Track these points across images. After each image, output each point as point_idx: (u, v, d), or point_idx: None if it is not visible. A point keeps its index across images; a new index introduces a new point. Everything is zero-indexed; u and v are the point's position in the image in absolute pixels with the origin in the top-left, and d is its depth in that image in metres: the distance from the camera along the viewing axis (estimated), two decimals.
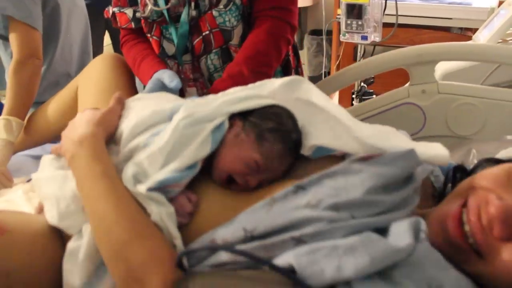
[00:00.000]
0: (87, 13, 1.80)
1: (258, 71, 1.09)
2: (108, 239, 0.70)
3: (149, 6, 1.15)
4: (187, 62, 1.22)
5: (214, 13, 1.13)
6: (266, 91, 0.90)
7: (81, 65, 1.74)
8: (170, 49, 1.21)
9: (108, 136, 0.85)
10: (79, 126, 0.83)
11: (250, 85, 0.92)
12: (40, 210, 0.91)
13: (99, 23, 2.12)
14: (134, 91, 1.23)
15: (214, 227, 0.71)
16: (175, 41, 1.18)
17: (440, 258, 0.62)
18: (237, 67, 1.09)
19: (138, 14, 1.19)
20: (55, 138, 1.32)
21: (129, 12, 1.21)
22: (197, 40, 1.17)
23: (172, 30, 1.17)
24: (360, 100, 2.15)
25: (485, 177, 0.67)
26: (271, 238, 0.64)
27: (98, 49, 2.09)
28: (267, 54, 1.13)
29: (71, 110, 1.25)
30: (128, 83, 1.23)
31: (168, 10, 1.15)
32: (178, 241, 0.72)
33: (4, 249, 0.74)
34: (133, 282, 0.66)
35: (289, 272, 0.58)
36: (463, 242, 0.64)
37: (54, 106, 1.31)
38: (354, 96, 2.18)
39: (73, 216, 0.78)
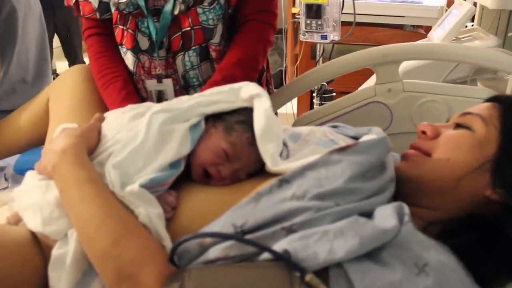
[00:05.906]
0: (43, 17, 1.73)
1: (248, 75, 1.12)
2: (96, 239, 0.69)
3: None
4: (161, 58, 1.20)
5: (198, 10, 1.13)
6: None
7: (38, 71, 1.68)
8: (144, 43, 1.18)
9: (89, 150, 0.84)
10: (60, 140, 0.82)
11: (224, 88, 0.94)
12: (14, 221, 0.89)
13: (46, 25, 2.03)
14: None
15: (199, 227, 0.72)
16: (153, 34, 1.15)
17: (423, 239, 0.67)
18: (231, 69, 1.11)
19: (113, 2, 1.13)
20: (25, 149, 1.27)
21: (94, 1, 1.16)
22: (176, 35, 1.16)
23: (149, 23, 1.14)
24: (321, 98, 2.20)
25: None
26: (262, 231, 0.66)
27: None
28: (258, 59, 1.17)
29: (43, 122, 1.22)
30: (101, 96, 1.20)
31: (146, 2, 1.11)
32: (167, 242, 0.72)
33: None
34: (125, 279, 0.65)
35: (286, 256, 0.60)
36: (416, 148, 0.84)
37: (24, 117, 1.27)
38: (314, 94, 2.22)
39: (58, 221, 0.78)
